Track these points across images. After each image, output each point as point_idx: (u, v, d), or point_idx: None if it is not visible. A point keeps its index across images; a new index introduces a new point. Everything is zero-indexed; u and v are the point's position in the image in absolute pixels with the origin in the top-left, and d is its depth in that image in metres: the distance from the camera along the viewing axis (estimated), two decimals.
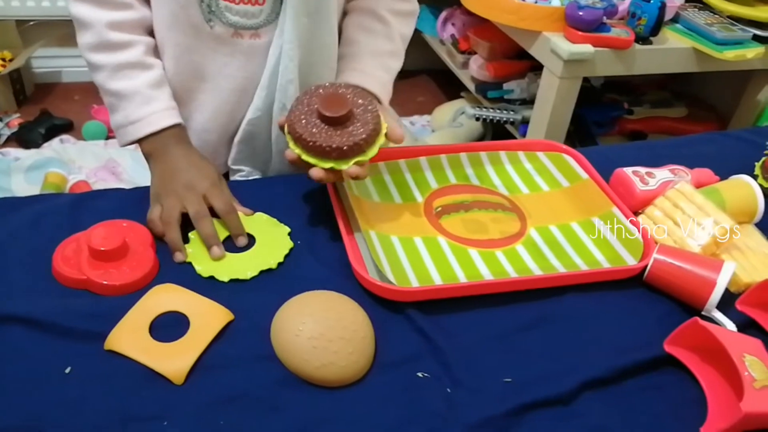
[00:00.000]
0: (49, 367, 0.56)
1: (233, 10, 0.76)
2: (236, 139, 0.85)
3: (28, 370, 0.56)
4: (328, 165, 0.69)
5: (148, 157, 0.78)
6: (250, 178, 0.88)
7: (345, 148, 0.68)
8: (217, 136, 0.85)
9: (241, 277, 0.67)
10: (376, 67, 0.85)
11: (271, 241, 0.71)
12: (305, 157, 0.69)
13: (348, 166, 0.69)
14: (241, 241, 0.71)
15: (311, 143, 0.68)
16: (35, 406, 0.53)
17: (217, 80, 0.81)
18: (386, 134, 0.72)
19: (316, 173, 0.69)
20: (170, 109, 0.77)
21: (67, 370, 0.56)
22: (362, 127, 0.69)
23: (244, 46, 0.78)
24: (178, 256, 0.68)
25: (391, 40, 0.87)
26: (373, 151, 0.70)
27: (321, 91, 0.71)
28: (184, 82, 0.81)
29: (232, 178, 0.89)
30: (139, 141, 0.77)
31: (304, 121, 0.69)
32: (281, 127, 0.72)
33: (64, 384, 0.55)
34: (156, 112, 0.76)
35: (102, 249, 0.64)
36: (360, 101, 0.71)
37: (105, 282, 0.63)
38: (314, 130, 0.68)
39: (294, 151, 0.69)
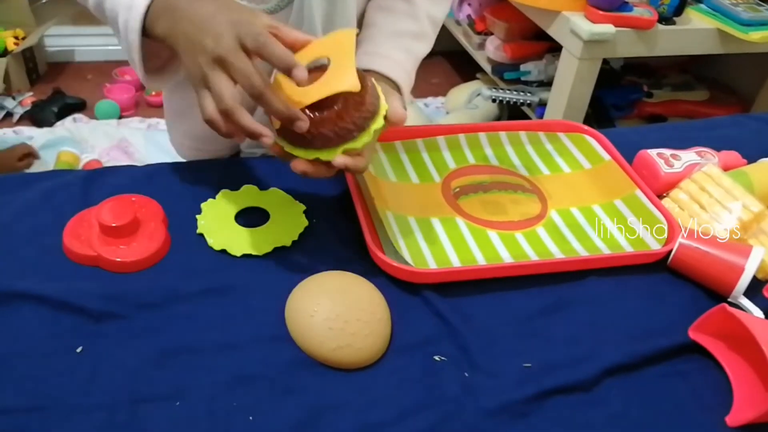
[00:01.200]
0: (61, 346, 0.56)
1: None
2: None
3: (39, 349, 0.55)
4: (313, 156, 0.59)
5: (165, 38, 0.59)
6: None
7: (330, 134, 0.58)
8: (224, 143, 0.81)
9: (255, 252, 0.65)
10: (394, 48, 0.76)
11: (285, 218, 0.70)
12: (288, 148, 0.60)
13: (335, 156, 0.59)
14: (298, 73, 0.54)
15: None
16: (45, 386, 0.53)
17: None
18: (386, 116, 0.61)
19: (297, 165, 0.59)
20: None
21: (79, 350, 0.55)
22: (354, 110, 0.59)
23: None
24: (266, 140, 0.56)
25: (415, 19, 0.78)
26: (365, 138, 0.59)
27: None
28: None
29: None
30: (146, 27, 0.60)
31: None
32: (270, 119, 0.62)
33: (76, 363, 0.54)
34: None
35: (113, 225, 0.63)
36: None
37: (117, 259, 0.62)
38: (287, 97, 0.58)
39: (278, 141, 0.60)
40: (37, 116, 2.06)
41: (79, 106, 2.16)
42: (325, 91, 0.57)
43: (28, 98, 2.14)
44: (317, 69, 0.59)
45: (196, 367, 0.55)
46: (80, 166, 1.84)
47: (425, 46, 0.80)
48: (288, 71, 0.54)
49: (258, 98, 0.54)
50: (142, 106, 2.23)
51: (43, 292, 0.59)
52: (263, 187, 0.74)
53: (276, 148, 0.61)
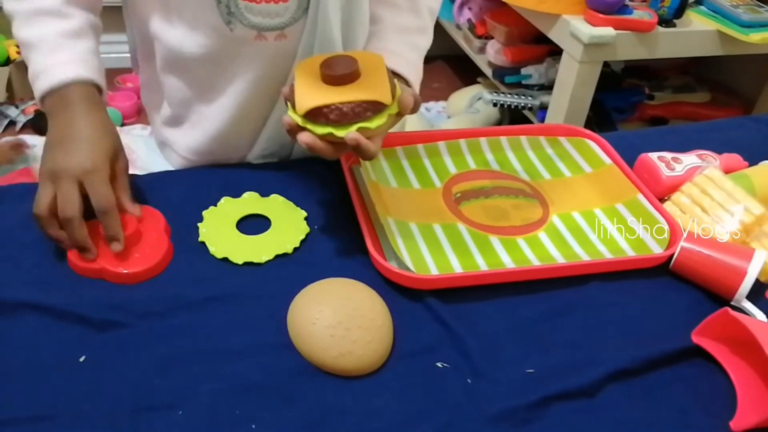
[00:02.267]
0: (63, 355, 0.56)
1: (254, 11, 0.68)
2: (262, 137, 0.81)
3: (41, 358, 0.55)
4: (325, 130, 0.60)
5: (48, 117, 0.67)
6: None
7: (345, 109, 0.59)
8: (239, 136, 0.81)
9: (256, 260, 0.65)
10: (402, 44, 0.77)
11: (287, 225, 0.70)
12: (302, 122, 0.60)
13: (347, 132, 0.59)
14: (115, 246, 0.62)
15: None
16: (48, 395, 0.53)
17: (240, 85, 0.75)
18: (399, 103, 0.63)
19: (304, 137, 0.60)
20: (77, 62, 0.66)
21: (81, 359, 0.56)
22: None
23: (270, 48, 0.72)
24: (90, 257, 0.62)
25: (418, 14, 0.80)
26: (380, 120, 0.61)
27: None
28: (205, 86, 0.76)
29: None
30: (43, 99, 0.67)
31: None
32: (285, 98, 0.64)
33: (78, 373, 0.55)
34: (59, 64, 0.66)
35: None
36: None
37: (121, 270, 0.62)
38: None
39: (291, 116, 0.61)
40: (40, 124, 2.07)
41: None
42: (359, 96, 0.59)
43: (31, 107, 2.15)
44: (345, 74, 0.61)
45: (199, 375, 0.55)
46: None
47: (427, 40, 0.82)
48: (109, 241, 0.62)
49: (102, 215, 0.61)
50: (144, 113, 2.24)
51: (45, 302, 0.59)
52: (264, 193, 0.74)
53: (292, 125, 0.61)
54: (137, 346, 0.57)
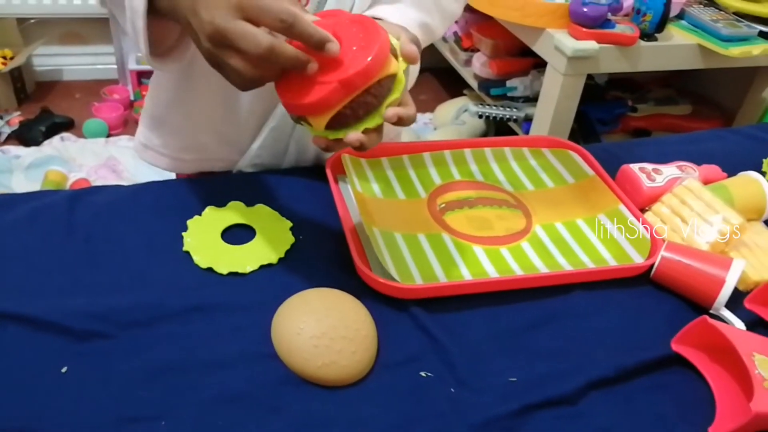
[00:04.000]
0: (45, 367, 0.55)
1: None
2: (255, 144, 0.80)
3: (23, 370, 0.55)
4: (362, 126, 0.54)
5: (174, 7, 0.55)
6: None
7: (368, 98, 0.53)
8: (232, 145, 0.81)
9: (240, 270, 0.66)
10: (407, 6, 0.71)
11: (272, 235, 0.70)
12: (332, 134, 0.55)
13: (383, 115, 0.54)
14: (331, 48, 0.51)
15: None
16: (30, 407, 0.52)
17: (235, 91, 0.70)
18: (402, 54, 0.56)
19: (353, 138, 0.54)
20: None
21: (63, 370, 0.55)
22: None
23: None
24: (313, 66, 0.51)
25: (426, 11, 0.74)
26: (399, 84, 0.55)
27: None
28: (206, 95, 0.76)
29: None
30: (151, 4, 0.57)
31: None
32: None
33: (60, 384, 0.54)
34: None
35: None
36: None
37: (363, 61, 0.51)
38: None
39: (316, 135, 0.56)
40: (25, 135, 2.06)
41: (66, 125, 2.16)
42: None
43: (16, 118, 2.14)
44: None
45: (182, 386, 0.55)
46: (68, 186, 1.83)
47: (432, 19, 0.75)
48: (321, 47, 0.51)
49: (290, 28, 0.50)
50: (130, 124, 2.24)
51: (27, 313, 0.59)
52: (249, 203, 0.74)
53: (319, 142, 0.56)
54: (120, 357, 0.57)
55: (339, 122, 0.55)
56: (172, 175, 0.91)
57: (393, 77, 0.55)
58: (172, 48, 0.66)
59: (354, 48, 0.53)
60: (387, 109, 0.55)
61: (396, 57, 0.56)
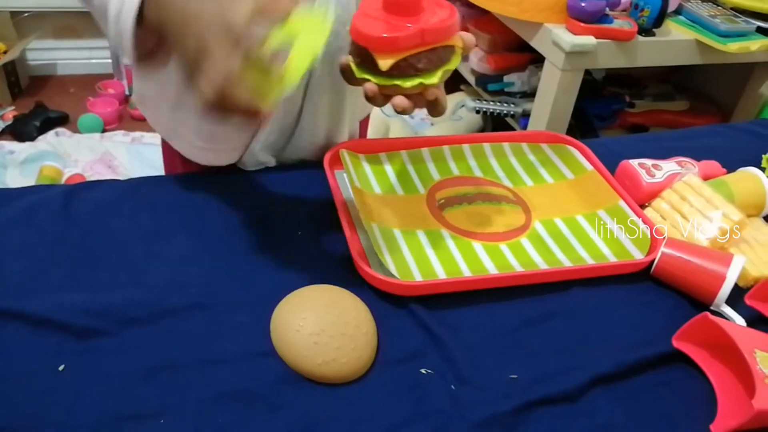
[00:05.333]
0: (42, 364, 0.55)
1: None
2: (260, 136, 0.79)
3: (20, 367, 0.54)
4: (415, 82, 0.57)
5: (158, 21, 0.56)
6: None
7: (432, 56, 0.57)
8: (237, 140, 0.79)
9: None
10: None
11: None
12: (384, 81, 0.57)
13: (437, 78, 0.57)
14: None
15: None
16: (28, 405, 0.52)
17: None
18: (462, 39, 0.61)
19: (399, 100, 0.57)
20: None
21: (61, 368, 0.55)
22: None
23: None
24: (369, 87, 0.56)
25: None
26: (456, 60, 0.59)
27: None
28: None
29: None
30: (140, 20, 0.57)
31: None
32: (342, 69, 0.61)
33: (58, 382, 0.54)
34: None
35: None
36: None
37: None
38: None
39: (363, 78, 0.58)
40: (19, 130, 2.04)
41: (61, 120, 2.15)
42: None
43: (10, 112, 2.13)
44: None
45: (181, 383, 0.55)
46: (63, 181, 1.82)
47: None
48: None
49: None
50: (125, 119, 2.22)
51: (24, 310, 0.58)
52: (247, 199, 0.74)
53: (375, 91, 0.58)
54: (119, 354, 0.56)
55: (398, 70, 0.57)
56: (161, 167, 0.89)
57: (453, 49, 0.60)
58: (152, 53, 0.64)
59: (436, 11, 0.58)
60: (435, 83, 0.58)
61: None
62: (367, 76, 0.58)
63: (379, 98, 0.59)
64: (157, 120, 0.85)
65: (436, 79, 0.58)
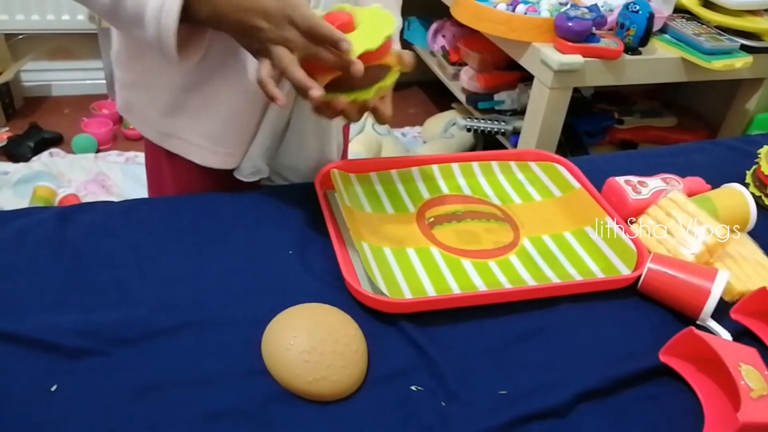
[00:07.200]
0: (35, 384, 0.55)
1: None
2: (258, 139, 0.82)
3: (12, 387, 0.55)
4: (351, 97, 0.65)
5: (210, 20, 0.65)
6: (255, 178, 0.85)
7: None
8: (249, 116, 0.81)
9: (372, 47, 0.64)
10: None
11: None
12: (327, 96, 0.63)
13: (371, 94, 0.65)
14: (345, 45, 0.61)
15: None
16: (20, 425, 0.52)
17: (234, 86, 0.76)
18: (400, 59, 0.67)
19: (339, 104, 0.65)
20: None
21: (53, 388, 0.55)
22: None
23: None
24: (314, 93, 0.61)
25: None
26: (392, 77, 0.67)
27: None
28: (206, 89, 0.77)
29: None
30: (184, 19, 0.64)
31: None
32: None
33: (50, 402, 0.54)
34: None
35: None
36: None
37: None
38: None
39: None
40: (13, 151, 2.05)
41: (55, 141, 2.15)
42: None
43: (4, 133, 2.13)
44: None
45: (172, 402, 0.55)
46: (57, 201, 1.82)
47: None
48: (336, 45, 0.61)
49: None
50: (120, 139, 2.23)
51: (16, 331, 0.59)
52: (238, 217, 0.75)
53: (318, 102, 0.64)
54: (109, 374, 0.57)
55: (335, 87, 0.64)
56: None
57: (389, 68, 0.67)
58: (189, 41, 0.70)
59: (367, 32, 0.64)
60: (368, 98, 0.65)
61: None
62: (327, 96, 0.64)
63: (325, 110, 0.66)
64: (145, 127, 0.86)
65: (370, 94, 0.65)
